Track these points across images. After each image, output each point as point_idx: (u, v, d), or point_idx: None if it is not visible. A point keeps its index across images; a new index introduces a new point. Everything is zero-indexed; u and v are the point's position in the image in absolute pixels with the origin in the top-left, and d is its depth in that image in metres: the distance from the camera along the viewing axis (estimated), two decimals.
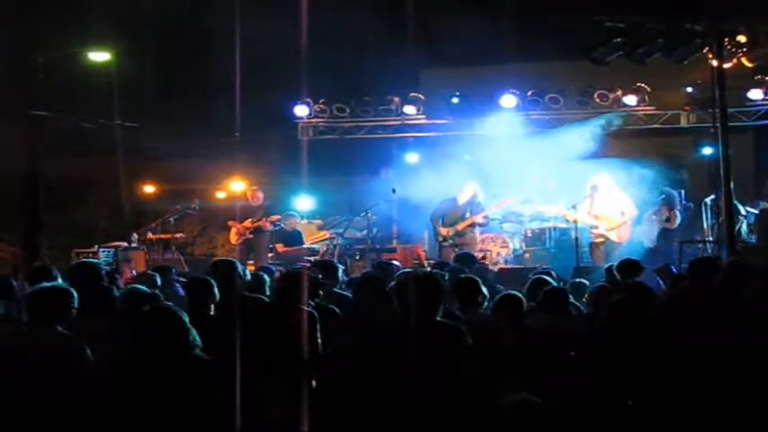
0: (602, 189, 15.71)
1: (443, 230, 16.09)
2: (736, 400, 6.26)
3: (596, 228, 15.64)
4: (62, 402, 5.80)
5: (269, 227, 17.19)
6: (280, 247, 17.35)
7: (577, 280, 10.21)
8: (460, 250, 14.61)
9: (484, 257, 15.57)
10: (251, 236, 17.16)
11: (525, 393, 4.76)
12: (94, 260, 11.95)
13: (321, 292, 7.87)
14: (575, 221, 15.42)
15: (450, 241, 15.97)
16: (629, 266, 9.48)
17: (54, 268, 8.43)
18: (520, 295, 7.76)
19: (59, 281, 7.44)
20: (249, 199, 17.51)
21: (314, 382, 6.78)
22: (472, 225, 16.08)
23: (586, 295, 9.07)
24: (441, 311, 6.02)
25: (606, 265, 10.87)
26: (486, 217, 16.29)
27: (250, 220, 17.18)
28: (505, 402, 4.67)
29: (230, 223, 17.69)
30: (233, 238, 17.54)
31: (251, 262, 16.36)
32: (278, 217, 17.33)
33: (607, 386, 6.36)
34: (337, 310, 7.77)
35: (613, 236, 15.56)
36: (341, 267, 9.70)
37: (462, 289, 7.50)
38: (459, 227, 15.97)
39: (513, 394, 4.79)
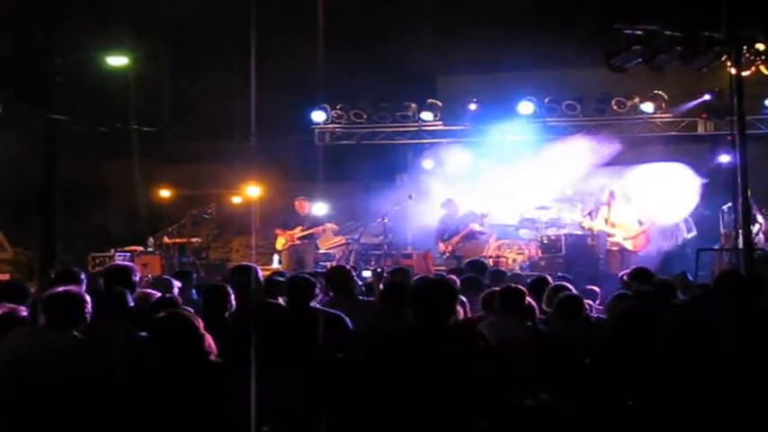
0: (619, 197, 15.62)
1: (441, 246, 16.56)
2: (744, 407, 6.25)
3: (612, 236, 15.55)
4: (77, 407, 5.80)
5: (320, 232, 17.43)
6: None
7: (588, 287, 10.16)
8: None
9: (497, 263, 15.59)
10: (298, 242, 17.19)
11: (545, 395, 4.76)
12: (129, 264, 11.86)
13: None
14: (590, 230, 15.38)
15: (448, 255, 16.32)
16: (639, 275, 9.43)
17: (81, 272, 8.36)
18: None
19: (78, 286, 7.39)
20: (297, 209, 17.51)
21: (330, 387, 6.78)
22: (470, 235, 16.21)
23: (598, 302, 9.12)
24: (453, 316, 6.00)
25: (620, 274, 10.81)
26: (479, 223, 16.35)
27: (300, 228, 17.20)
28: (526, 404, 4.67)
29: (277, 231, 17.68)
30: (279, 245, 17.55)
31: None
32: (331, 225, 17.56)
33: (619, 390, 6.36)
34: (343, 315, 7.69)
35: (629, 244, 15.45)
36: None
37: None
38: (454, 241, 16.25)
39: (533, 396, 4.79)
